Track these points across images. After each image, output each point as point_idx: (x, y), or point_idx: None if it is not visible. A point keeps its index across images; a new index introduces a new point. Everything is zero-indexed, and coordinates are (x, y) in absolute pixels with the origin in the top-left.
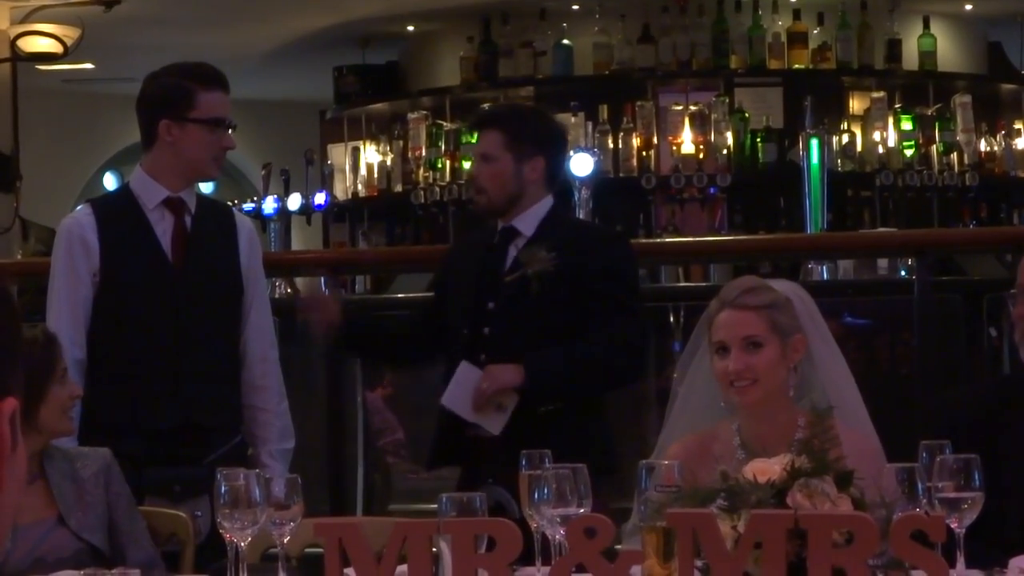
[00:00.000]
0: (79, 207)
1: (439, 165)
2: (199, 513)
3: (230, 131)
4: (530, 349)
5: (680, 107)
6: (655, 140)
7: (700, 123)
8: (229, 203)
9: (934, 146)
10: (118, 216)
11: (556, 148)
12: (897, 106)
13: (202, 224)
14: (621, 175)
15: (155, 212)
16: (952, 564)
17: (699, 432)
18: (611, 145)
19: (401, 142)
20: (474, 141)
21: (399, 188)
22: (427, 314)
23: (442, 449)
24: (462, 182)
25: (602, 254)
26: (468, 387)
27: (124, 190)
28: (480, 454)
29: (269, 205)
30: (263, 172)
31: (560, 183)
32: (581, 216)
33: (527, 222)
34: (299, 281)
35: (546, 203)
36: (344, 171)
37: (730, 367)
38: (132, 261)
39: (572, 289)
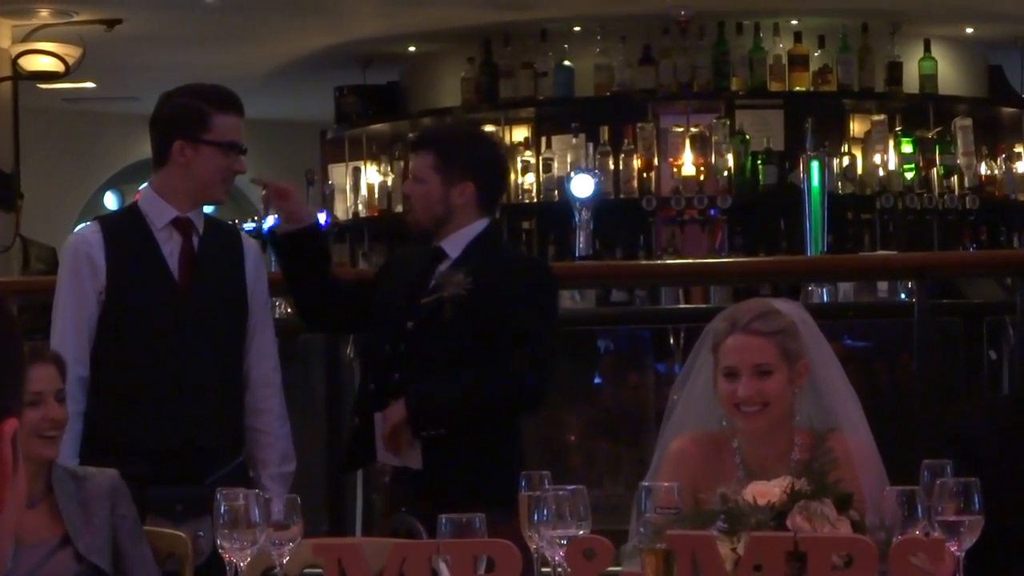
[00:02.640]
0: (86, 224)
1: None
2: (201, 533)
3: (242, 156)
4: (441, 371)
5: (681, 129)
6: (656, 162)
7: (701, 145)
8: (231, 222)
9: (934, 169)
10: (126, 235)
11: (489, 173)
12: (898, 129)
13: (209, 245)
14: (622, 196)
15: (163, 232)
16: None
17: (701, 431)
18: (612, 166)
19: (402, 162)
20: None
21: (400, 208)
22: (361, 296)
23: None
24: None
25: (516, 281)
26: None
27: (132, 209)
28: (398, 485)
29: (269, 224)
30: (264, 192)
31: (496, 207)
32: (582, 238)
33: (455, 244)
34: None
35: (477, 226)
36: (345, 191)
37: (739, 393)
38: (139, 280)
39: (484, 314)
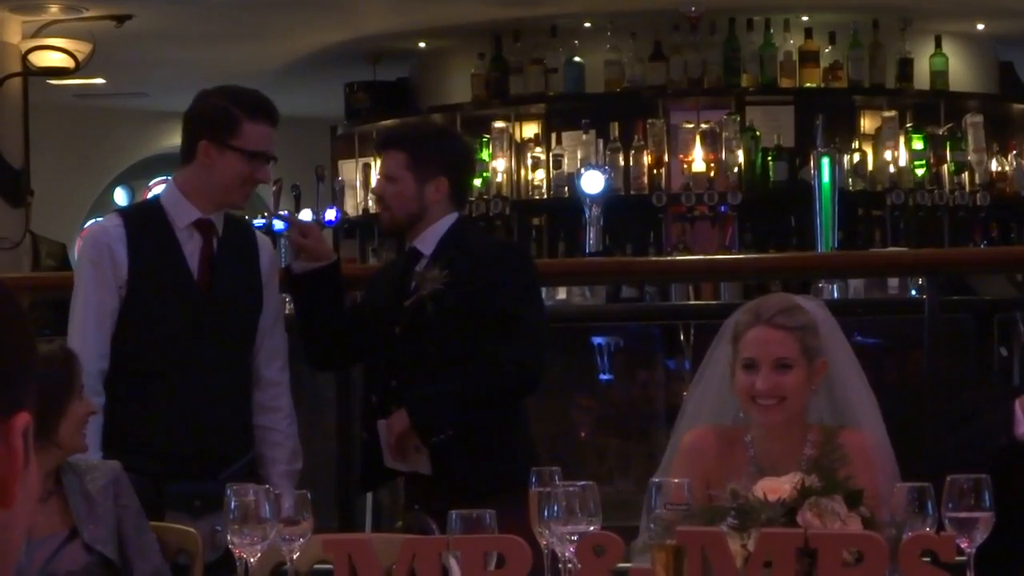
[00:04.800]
0: (108, 216)
1: None
2: (219, 527)
3: (270, 164)
4: (436, 370)
5: (691, 125)
6: (666, 158)
7: (711, 141)
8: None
9: (945, 165)
10: (147, 231)
11: (460, 167)
12: (908, 125)
13: (228, 246)
14: (632, 193)
15: (184, 232)
16: None
17: (715, 424)
18: (622, 163)
19: None
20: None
21: None
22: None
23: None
24: (472, 199)
25: (492, 266)
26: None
27: (155, 204)
28: (412, 481)
29: (280, 221)
30: (274, 188)
31: (467, 200)
32: (592, 234)
33: (427, 242)
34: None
35: (447, 221)
36: (355, 187)
37: (758, 385)
38: (159, 279)
39: (466, 305)
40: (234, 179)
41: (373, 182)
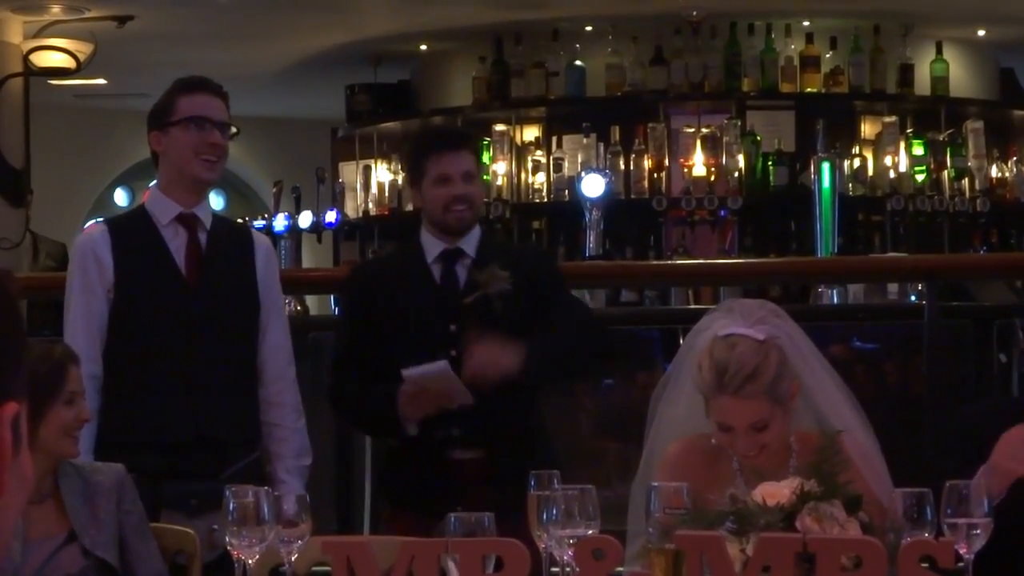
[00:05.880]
0: (93, 223)
1: None
2: (216, 527)
3: (229, 136)
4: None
5: (692, 129)
6: (666, 162)
7: (712, 145)
8: (241, 220)
9: (945, 171)
10: (132, 232)
11: None
12: (909, 131)
13: (217, 241)
14: (632, 197)
15: (168, 228)
16: None
17: (698, 435)
18: (622, 167)
19: None
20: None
21: (410, 207)
22: (368, 359)
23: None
24: None
25: (545, 270)
26: (438, 382)
27: (139, 209)
28: (454, 477)
29: (280, 222)
30: (274, 189)
31: None
32: (592, 238)
33: (470, 243)
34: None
35: (478, 224)
36: (355, 189)
37: (738, 448)
38: (146, 276)
39: (528, 305)
40: (185, 150)
41: (373, 186)
